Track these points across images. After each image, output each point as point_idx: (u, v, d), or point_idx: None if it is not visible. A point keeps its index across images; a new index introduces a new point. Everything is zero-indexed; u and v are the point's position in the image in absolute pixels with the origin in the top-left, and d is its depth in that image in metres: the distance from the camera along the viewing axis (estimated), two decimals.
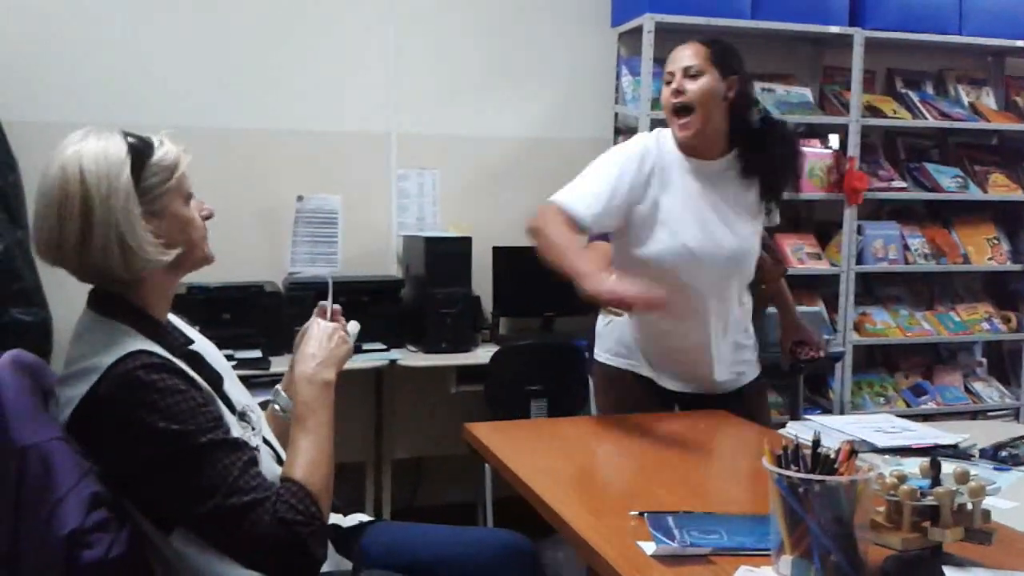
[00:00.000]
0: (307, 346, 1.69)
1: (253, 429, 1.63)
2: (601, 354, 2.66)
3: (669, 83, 2.41)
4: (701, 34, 2.52)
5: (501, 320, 4.12)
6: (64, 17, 3.72)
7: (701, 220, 2.41)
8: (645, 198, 2.41)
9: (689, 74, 2.38)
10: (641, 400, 2.55)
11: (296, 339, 1.79)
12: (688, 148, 2.43)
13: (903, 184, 4.42)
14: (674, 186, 2.42)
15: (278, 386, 1.87)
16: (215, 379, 1.60)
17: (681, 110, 2.38)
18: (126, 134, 1.53)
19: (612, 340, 2.63)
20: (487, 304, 4.10)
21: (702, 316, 2.46)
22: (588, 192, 2.37)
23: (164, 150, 1.55)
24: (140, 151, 1.51)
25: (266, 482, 1.49)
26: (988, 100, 4.69)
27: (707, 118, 2.37)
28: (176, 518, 1.48)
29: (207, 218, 1.64)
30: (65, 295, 1.72)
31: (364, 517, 1.94)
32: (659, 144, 2.47)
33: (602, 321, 2.69)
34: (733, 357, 2.55)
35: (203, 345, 1.70)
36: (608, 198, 2.36)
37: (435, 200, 4.18)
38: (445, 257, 3.79)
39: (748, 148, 2.44)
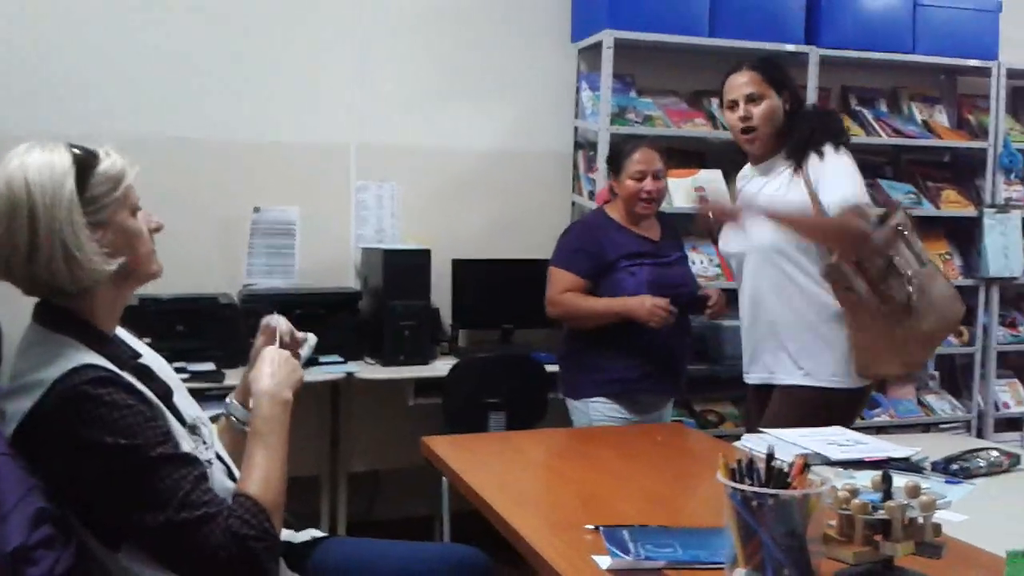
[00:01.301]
0: (264, 365, 1.69)
1: (205, 443, 1.61)
2: None
3: (733, 109, 2.78)
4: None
5: (460, 332, 4.11)
6: (14, 27, 3.66)
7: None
8: None
9: (751, 99, 2.75)
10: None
11: (252, 352, 1.79)
12: (753, 158, 2.88)
13: None
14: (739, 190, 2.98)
15: (230, 397, 1.85)
16: (165, 392, 1.58)
17: (747, 130, 2.77)
18: (71, 146, 1.51)
19: None
20: (446, 316, 4.09)
21: (752, 301, 2.83)
22: None
23: (110, 161, 1.53)
24: (85, 161, 1.50)
25: (217, 497, 1.48)
26: (941, 118, 4.77)
27: (771, 133, 2.77)
28: (126, 534, 1.46)
29: (156, 230, 1.62)
30: (15, 307, 1.68)
31: (317, 532, 1.93)
32: None
33: None
34: (770, 346, 2.79)
35: (151, 358, 1.68)
36: None
37: (394, 212, 4.16)
38: (404, 269, 3.77)
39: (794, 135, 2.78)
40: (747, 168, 2.96)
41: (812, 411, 2.57)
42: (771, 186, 2.78)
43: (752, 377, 2.89)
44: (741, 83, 2.76)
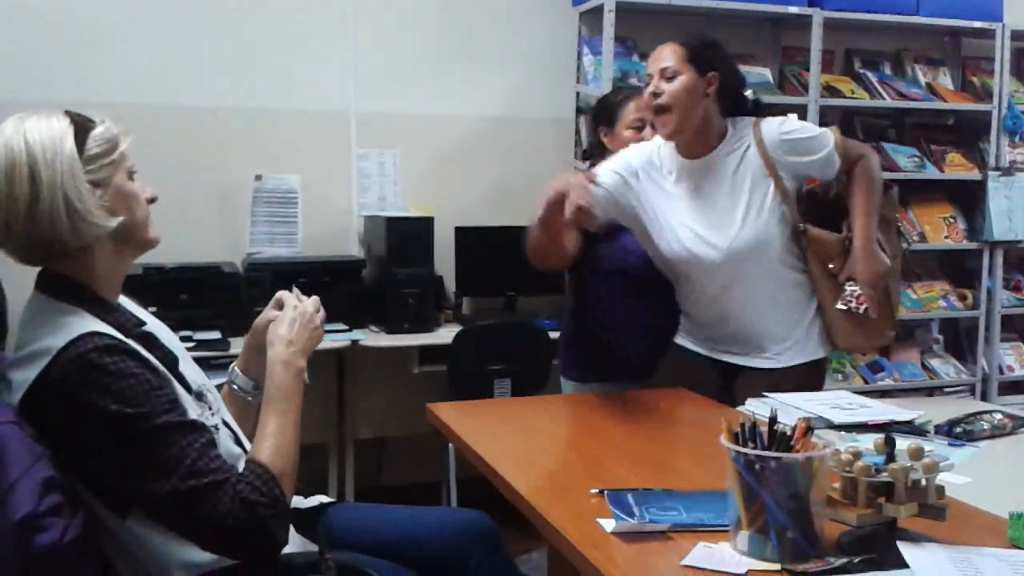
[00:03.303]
0: (281, 328, 1.70)
1: (211, 409, 1.62)
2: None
3: (648, 84, 2.46)
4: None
5: (464, 300, 4.11)
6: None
7: (698, 221, 2.46)
8: (632, 199, 2.50)
9: (666, 76, 2.42)
10: (695, 373, 2.58)
11: (258, 320, 1.80)
12: (681, 148, 2.49)
13: None
14: (668, 190, 2.51)
15: (234, 365, 1.86)
16: (170, 360, 1.58)
17: (659, 110, 2.43)
18: (67, 112, 1.52)
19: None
20: (450, 284, 4.09)
21: (729, 301, 2.50)
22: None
23: (105, 126, 1.55)
24: (81, 124, 1.51)
25: (225, 464, 1.48)
26: (945, 80, 4.74)
27: (685, 116, 2.41)
28: (134, 501, 1.47)
29: (151, 201, 1.62)
30: (20, 276, 1.68)
31: (325, 498, 1.94)
32: (658, 148, 2.55)
33: None
34: (782, 332, 2.52)
35: (156, 327, 1.68)
36: (607, 188, 2.47)
37: (396, 180, 4.15)
38: (407, 237, 3.77)
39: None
40: (668, 159, 2.52)
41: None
42: (731, 191, 2.44)
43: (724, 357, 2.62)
44: (660, 56, 2.45)
